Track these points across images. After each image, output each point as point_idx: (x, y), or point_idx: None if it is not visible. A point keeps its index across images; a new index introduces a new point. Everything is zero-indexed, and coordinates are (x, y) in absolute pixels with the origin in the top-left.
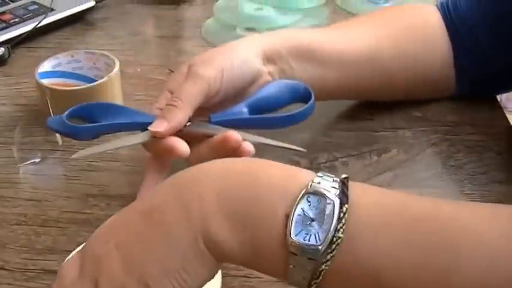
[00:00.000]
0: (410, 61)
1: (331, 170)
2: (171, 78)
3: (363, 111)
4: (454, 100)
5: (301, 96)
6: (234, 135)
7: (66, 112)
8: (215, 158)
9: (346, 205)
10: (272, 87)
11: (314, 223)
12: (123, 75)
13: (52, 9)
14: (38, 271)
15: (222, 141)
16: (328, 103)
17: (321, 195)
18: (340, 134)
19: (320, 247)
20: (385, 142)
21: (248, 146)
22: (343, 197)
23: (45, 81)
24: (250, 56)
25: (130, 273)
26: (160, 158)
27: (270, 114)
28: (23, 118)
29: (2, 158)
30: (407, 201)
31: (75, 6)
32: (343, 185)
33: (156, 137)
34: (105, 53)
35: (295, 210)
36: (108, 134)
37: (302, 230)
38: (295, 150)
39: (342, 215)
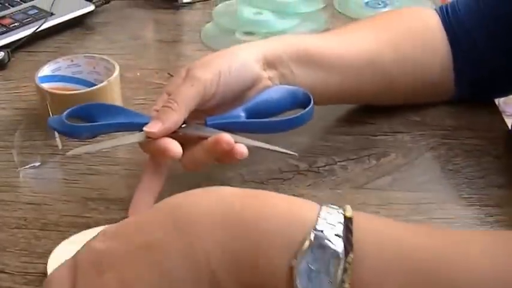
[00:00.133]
0: (409, 65)
1: (330, 173)
2: (170, 81)
3: (361, 115)
4: (452, 104)
5: (301, 101)
6: (225, 137)
7: (66, 112)
8: (208, 160)
9: (351, 254)
10: (271, 92)
11: (320, 275)
12: (123, 79)
13: (52, 14)
14: (38, 275)
15: (214, 143)
16: (327, 107)
17: (325, 247)
18: (339, 138)
19: None
20: (383, 146)
21: (241, 148)
22: (348, 244)
23: (45, 86)
24: (249, 60)
25: None
26: (157, 161)
27: (267, 118)
28: (23, 122)
29: (2, 161)
30: (407, 243)
31: (74, 11)
32: (347, 229)
33: (151, 138)
34: (105, 57)
35: (300, 263)
36: (106, 133)
37: (309, 283)
38: (288, 154)
39: (347, 265)
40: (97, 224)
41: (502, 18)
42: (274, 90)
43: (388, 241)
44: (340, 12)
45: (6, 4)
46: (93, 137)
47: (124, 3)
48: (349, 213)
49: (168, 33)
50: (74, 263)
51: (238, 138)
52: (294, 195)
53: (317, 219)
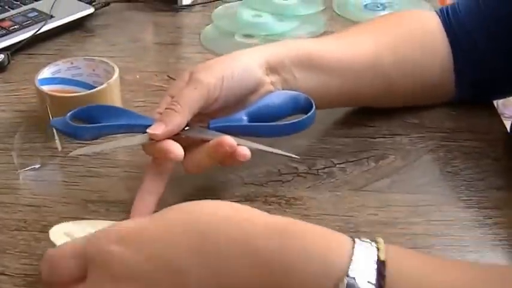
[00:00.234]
0: (409, 67)
1: (329, 175)
2: (172, 84)
3: (360, 118)
4: (451, 107)
5: (302, 107)
6: (228, 139)
7: (69, 113)
8: (210, 163)
9: None
10: (273, 97)
11: None
12: (123, 81)
13: (51, 16)
14: (38, 276)
15: (216, 145)
16: (326, 110)
17: None
18: (338, 140)
19: None
20: (382, 148)
21: (244, 151)
22: None
23: (45, 88)
24: (252, 65)
25: None
26: (160, 163)
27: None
28: (23, 124)
29: (2, 164)
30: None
31: (74, 13)
32: (380, 274)
33: (153, 139)
34: (105, 59)
35: None
36: (109, 135)
37: None
38: (289, 157)
39: None
40: None
41: (502, 19)
42: (276, 95)
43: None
44: (339, 15)
45: (6, 7)
46: (96, 139)
47: (123, 6)
48: (382, 254)
49: (167, 35)
50: (84, 257)
51: (241, 141)
52: (293, 197)
53: (350, 263)
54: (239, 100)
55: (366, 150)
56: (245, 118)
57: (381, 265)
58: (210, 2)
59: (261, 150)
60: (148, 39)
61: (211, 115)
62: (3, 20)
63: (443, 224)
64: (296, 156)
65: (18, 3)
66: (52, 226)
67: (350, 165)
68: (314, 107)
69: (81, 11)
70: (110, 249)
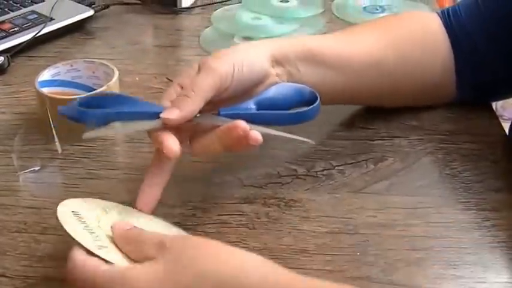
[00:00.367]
0: (410, 66)
1: (328, 178)
2: (182, 73)
3: (359, 120)
4: (449, 109)
5: (307, 99)
6: (242, 123)
7: (78, 100)
8: (220, 147)
9: None
10: (279, 88)
11: None
12: (122, 84)
13: (51, 19)
14: (38, 278)
15: (229, 129)
16: (324, 112)
17: None
18: (337, 142)
19: None
20: (381, 151)
21: (256, 135)
22: None
23: (45, 90)
24: (259, 57)
25: None
26: (161, 164)
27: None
28: (23, 126)
29: (2, 166)
30: None
31: (74, 16)
32: None
33: (167, 125)
34: (104, 62)
35: None
36: (118, 121)
37: None
38: (303, 141)
39: None
40: None
41: (502, 20)
42: (282, 86)
43: None
44: (338, 17)
45: (6, 9)
46: (104, 124)
47: (123, 9)
48: None
49: (167, 38)
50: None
51: (252, 126)
52: (292, 199)
53: None
54: (247, 90)
55: (364, 152)
56: (253, 107)
57: None
58: (210, 4)
59: (273, 135)
60: (147, 41)
61: (219, 105)
62: (3, 22)
63: (442, 226)
64: (311, 141)
65: (18, 5)
66: (52, 227)
67: (349, 168)
68: (319, 99)
69: (81, 13)
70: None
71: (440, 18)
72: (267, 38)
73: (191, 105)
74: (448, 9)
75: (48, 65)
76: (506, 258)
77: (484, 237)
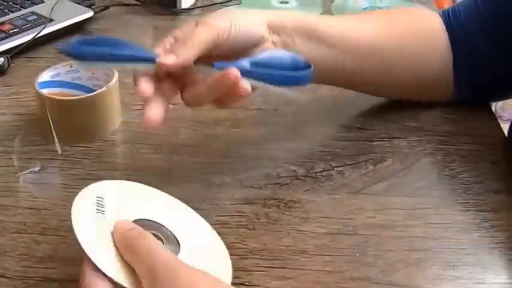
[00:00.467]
0: (410, 58)
1: (328, 178)
2: (178, 29)
3: (359, 121)
4: (448, 110)
5: (301, 68)
6: (233, 70)
7: (76, 39)
8: (210, 98)
9: None
10: (275, 52)
11: None
12: (122, 85)
13: (51, 20)
14: (38, 279)
15: (221, 76)
16: (324, 112)
17: None
18: (337, 143)
19: None
20: (380, 152)
21: (245, 85)
22: None
23: (45, 91)
24: (257, 20)
25: None
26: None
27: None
28: (23, 127)
29: (2, 166)
30: None
31: (74, 17)
32: None
33: (161, 67)
34: None
35: None
36: (113, 62)
37: None
38: (292, 97)
39: None
40: None
41: (500, 20)
42: (278, 52)
43: None
44: None
45: (6, 10)
46: (100, 62)
47: (123, 10)
48: None
49: None
50: None
51: (245, 79)
52: (292, 200)
53: None
54: (242, 50)
55: (364, 153)
56: (247, 64)
57: None
58: (209, 5)
59: (264, 88)
60: (147, 42)
61: (214, 60)
62: (3, 23)
63: (441, 226)
64: (302, 97)
65: (18, 6)
66: (52, 227)
67: (348, 169)
68: (312, 67)
69: (81, 14)
70: None
71: (441, 17)
72: None
73: (187, 53)
74: (448, 10)
75: (48, 66)
76: (505, 259)
77: (483, 238)
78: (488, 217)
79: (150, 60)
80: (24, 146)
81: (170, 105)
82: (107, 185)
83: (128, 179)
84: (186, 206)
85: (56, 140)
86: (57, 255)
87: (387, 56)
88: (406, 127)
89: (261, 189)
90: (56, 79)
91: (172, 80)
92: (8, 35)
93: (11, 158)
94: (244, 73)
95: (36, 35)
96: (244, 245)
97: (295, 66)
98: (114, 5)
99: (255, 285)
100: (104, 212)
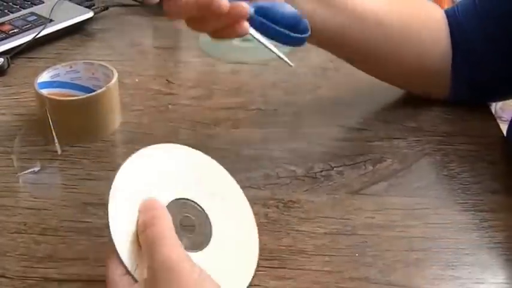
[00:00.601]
0: (412, 42)
1: (327, 179)
2: None
3: (358, 121)
4: (447, 110)
5: (299, 28)
6: (247, 7)
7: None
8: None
9: None
10: (281, 4)
11: None
12: (122, 85)
13: (51, 20)
14: (38, 279)
15: (232, 6)
16: (323, 113)
17: None
18: (336, 143)
19: None
20: (380, 152)
21: (246, 25)
22: None
23: (44, 92)
24: None
25: None
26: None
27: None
28: (22, 127)
29: (2, 167)
30: None
31: (74, 17)
32: None
33: None
34: (104, 63)
35: None
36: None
37: None
38: (286, 62)
39: None
40: (97, 229)
41: (498, 20)
42: (283, 5)
43: None
44: None
45: (6, 10)
46: None
47: (123, 10)
48: None
49: (166, 39)
50: None
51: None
52: (291, 200)
53: None
54: None
55: (363, 153)
56: (252, 9)
57: None
58: None
59: (264, 44)
60: (147, 43)
61: None
62: (3, 23)
63: (440, 227)
64: (291, 64)
65: (18, 7)
66: (52, 227)
67: (347, 169)
68: (309, 33)
69: (81, 15)
70: None
71: None
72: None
73: None
74: (447, 10)
75: (48, 67)
76: (504, 258)
77: (482, 238)
78: (487, 217)
79: None
80: (24, 146)
81: (170, 106)
82: (160, 153)
83: None
84: (232, 180)
85: (56, 140)
86: (57, 255)
87: (391, 33)
88: (405, 127)
89: (260, 189)
90: (55, 79)
91: None
92: (8, 36)
93: (11, 158)
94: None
95: (36, 35)
96: None
97: (295, 25)
98: (114, 6)
99: (254, 285)
100: (148, 186)
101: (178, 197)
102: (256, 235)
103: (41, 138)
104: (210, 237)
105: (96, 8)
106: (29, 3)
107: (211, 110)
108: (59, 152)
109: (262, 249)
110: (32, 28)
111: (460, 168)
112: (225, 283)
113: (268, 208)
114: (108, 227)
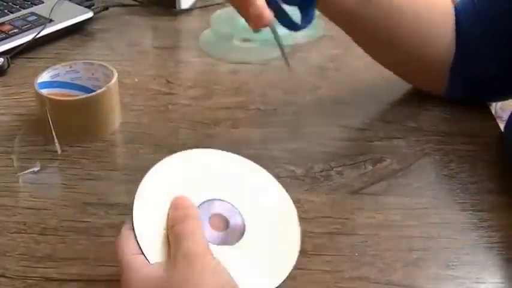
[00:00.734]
0: (422, 29)
1: (327, 178)
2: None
3: (357, 121)
4: (447, 110)
5: (306, 6)
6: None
7: None
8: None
9: None
10: None
11: None
12: (121, 85)
13: (51, 20)
14: (38, 279)
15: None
16: (323, 113)
17: None
18: (336, 143)
19: None
20: (379, 152)
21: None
22: None
23: (44, 92)
24: None
25: None
26: None
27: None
28: (22, 127)
29: (2, 167)
30: None
31: (73, 17)
32: None
33: None
34: (104, 63)
35: None
36: None
37: None
38: (285, 60)
39: None
40: (96, 229)
41: (495, 19)
42: None
43: None
44: None
45: (6, 11)
46: None
47: (122, 10)
48: None
49: (166, 39)
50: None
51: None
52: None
53: None
54: None
55: (363, 153)
56: None
57: None
58: (209, 6)
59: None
60: (147, 43)
61: None
62: (2, 23)
63: (440, 226)
64: (289, 66)
65: (18, 7)
66: (51, 227)
67: (347, 169)
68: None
69: (81, 15)
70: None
71: None
72: (265, 40)
73: None
74: None
75: (48, 67)
76: (503, 258)
77: (481, 237)
78: (486, 217)
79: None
80: (24, 146)
81: (170, 106)
82: (195, 156)
83: (127, 179)
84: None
85: (56, 140)
86: (57, 255)
87: (400, 18)
88: (405, 127)
89: None
90: (55, 79)
91: None
92: (8, 36)
93: (10, 158)
94: None
95: (36, 35)
96: None
97: (304, 2)
98: (113, 6)
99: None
100: (179, 186)
101: (210, 198)
102: (297, 229)
103: (41, 138)
104: (243, 233)
105: (96, 8)
106: (29, 3)
107: (211, 110)
108: (59, 152)
109: None
110: (32, 28)
111: (460, 168)
112: (257, 278)
113: None
114: (132, 207)
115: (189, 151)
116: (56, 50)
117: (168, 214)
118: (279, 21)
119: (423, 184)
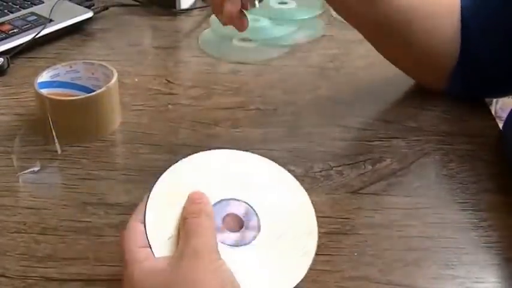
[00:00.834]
0: (427, 23)
1: (326, 178)
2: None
3: (357, 121)
4: (447, 110)
5: None
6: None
7: None
8: None
9: None
10: None
11: None
12: (121, 85)
13: (51, 20)
14: (38, 278)
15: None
16: (322, 113)
17: None
18: (335, 143)
19: None
20: (379, 151)
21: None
22: None
23: (44, 91)
24: None
25: None
26: None
27: None
28: (22, 127)
29: (2, 166)
30: None
31: (73, 17)
32: None
33: None
34: (104, 63)
35: None
36: None
37: None
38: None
39: None
40: (96, 229)
41: (492, 16)
42: None
43: None
44: (337, 19)
45: (6, 10)
46: None
47: (122, 10)
48: None
49: (166, 39)
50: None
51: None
52: None
53: None
54: None
55: (362, 153)
56: None
57: None
58: (208, 6)
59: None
60: (147, 43)
61: None
62: (2, 23)
63: (439, 226)
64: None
65: (18, 7)
66: (51, 227)
67: (347, 168)
68: None
69: (80, 15)
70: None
71: None
72: (265, 40)
73: None
74: None
75: (48, 66)
76: (503, 257)
77: (481, 237)
78: (486, 216)
79: None
80: (23, 146)
81: (170, 106)
82: (210, 157)
83: (126, 179)
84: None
85: (56, 140)
86: (57, 255)
87: (405, 10)
88: (405, 127)
89: None
90: (55, 79)
91: None
92: (8, 36)
93: (10, 158)
94: None
95: (36, 35)
96: None
97: None
98: (113, 6)
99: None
100: (195, 185)
101: (226, 197)
102: (315, 229)
103: (41, 138)
104: (258, 232)
105: (95, 8)
106: (29, 3)
107: (211, 110)
108: (59, 151)
109: None
110: (32, 28)
111: (459, 167)
112: (272, 279)
113: None
114: (146, 198)
115: (208, 152)
116: (56, 50)
117: (183, 208)
118: None
119: (423, 184)
